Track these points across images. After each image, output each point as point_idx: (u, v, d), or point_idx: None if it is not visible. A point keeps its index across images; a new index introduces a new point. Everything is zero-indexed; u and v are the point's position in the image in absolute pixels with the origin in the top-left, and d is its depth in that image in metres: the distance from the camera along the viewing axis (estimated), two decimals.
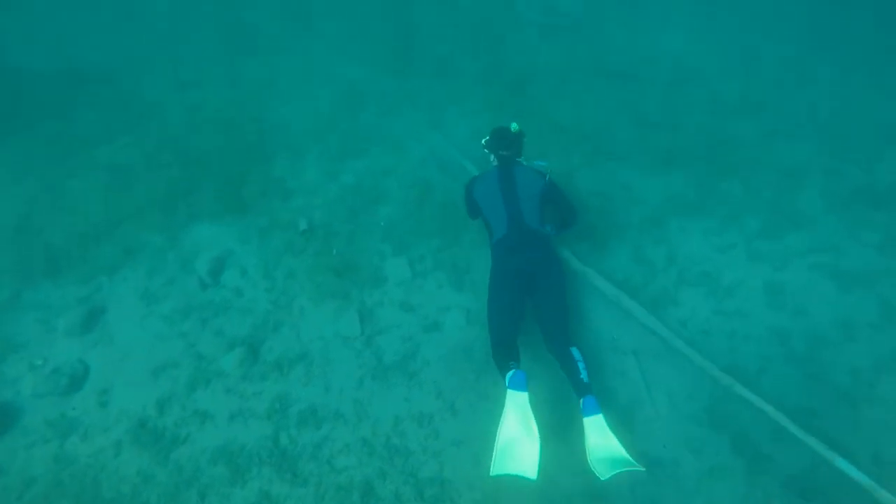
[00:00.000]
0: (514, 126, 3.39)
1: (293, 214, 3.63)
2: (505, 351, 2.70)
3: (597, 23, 5.15)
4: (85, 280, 3.34)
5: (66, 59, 5.04)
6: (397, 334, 3.07)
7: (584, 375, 2.65)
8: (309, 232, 3.51)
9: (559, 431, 2.62)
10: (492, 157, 3.44)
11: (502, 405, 2.47)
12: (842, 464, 2.45)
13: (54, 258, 3.46)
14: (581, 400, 2.58)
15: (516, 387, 2.49)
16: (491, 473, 2.32)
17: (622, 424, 2.68)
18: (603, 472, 2.38)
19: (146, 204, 3.75)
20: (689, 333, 3.03)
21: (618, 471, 2.38)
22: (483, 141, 3.47)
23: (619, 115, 4.28)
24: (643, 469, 2.40)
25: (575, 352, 2.73)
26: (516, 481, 2.33)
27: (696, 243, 3.47)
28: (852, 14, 5.20)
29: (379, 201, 3.69)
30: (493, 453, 2.35)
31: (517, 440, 2.38)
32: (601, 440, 2.46)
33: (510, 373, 2.57)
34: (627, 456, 2.41)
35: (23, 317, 3.17)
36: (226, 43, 5.13)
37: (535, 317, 2.93)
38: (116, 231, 3.61)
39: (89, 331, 3.12)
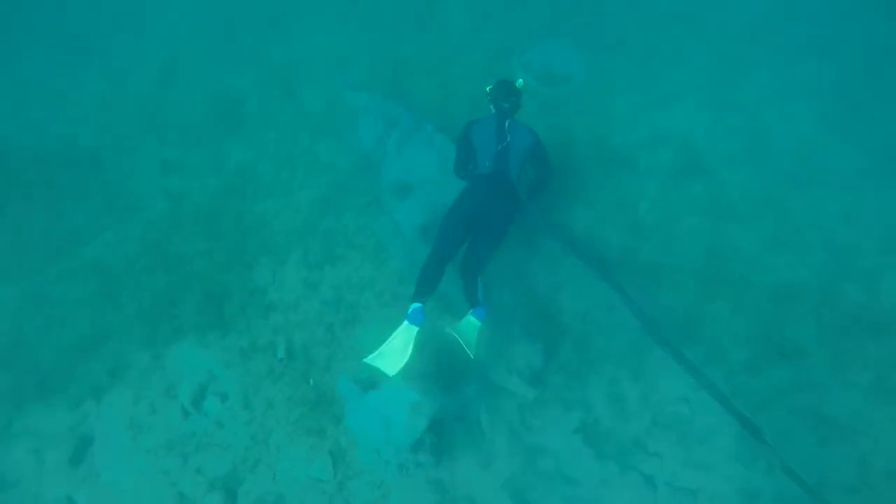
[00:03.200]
0: (519, 82, 3.86)
1: (273, 334, 3.82)
2: (427, 282, 3.25)
3: (599, 93, 5.02)
4: (74, 404, 3.65)
5: (54, 136, 5.20)
6: (367, 480, 3.28)
7: (480, 295, 3.39)
8: (287, 359, 3.70)
9: None
10: (491, 106, 3.85)
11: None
12: None
13: (44, 378, 3.77)
14: (472, 309, 3.26)
15: (413, 321, 3.10)
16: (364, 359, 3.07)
17: None
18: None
19: (132, 316, 4.00)
20: (656, 494, 3.17)
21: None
22: (487, 88, 3.86)
23: (612, 217, 4.27)
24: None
25: (480, 282, 3.42)
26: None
27: (674, 379, 3.54)
28: (885, 87, 4.95)
29: (356, 321, 3.84)
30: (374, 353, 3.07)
31: (393, 354, 3.06)
32: (464, 333, 3.19)
33: (415, 305, 3.14)
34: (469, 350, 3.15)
35: (14, 448, 3.49)
36: (211, 114, 5.20)
37: (469, 245, 3.50)
38: (104, 346, 3.89)
39: (77, 465, 3.44)
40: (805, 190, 4.42)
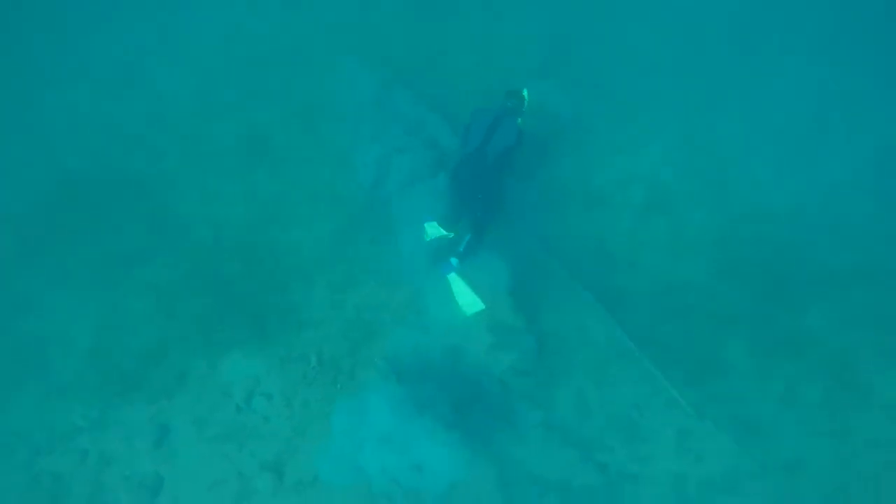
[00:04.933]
0: (524, 92, 5.01)
1: (306, 346, 4.82)
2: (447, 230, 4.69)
3: (583, 133, 5.84)
4: (151, 401, 4.68)
5: (108, 164, 6.09)
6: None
7: (462, 248, 4.52)
8: (318, 366, 4.71)
9: None
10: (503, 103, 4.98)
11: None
12: None
13: (125, 379, 4.79)
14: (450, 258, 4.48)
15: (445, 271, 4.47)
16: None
17: None
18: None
19: (189, 329, 4.99)
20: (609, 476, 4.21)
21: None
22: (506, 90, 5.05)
23: (588, 247, 5.18)
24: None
25: (470, 237, 4.54)
26: None
27: (629, 388, 4.53)
28: (832, 135, 5.76)
29: (375, 336, 4.83)
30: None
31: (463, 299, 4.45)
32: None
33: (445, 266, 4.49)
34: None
35: (108, 434, 4.54)
36: (242, 146, 6.06)
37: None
38: (169, 354, 4.90)
39: (159, 448, 4.49)
40: (752, 227, 5.31)
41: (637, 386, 4.52)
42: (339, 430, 4.35)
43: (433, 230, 4.74)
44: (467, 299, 4.52)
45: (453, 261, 4.53)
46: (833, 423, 4.34)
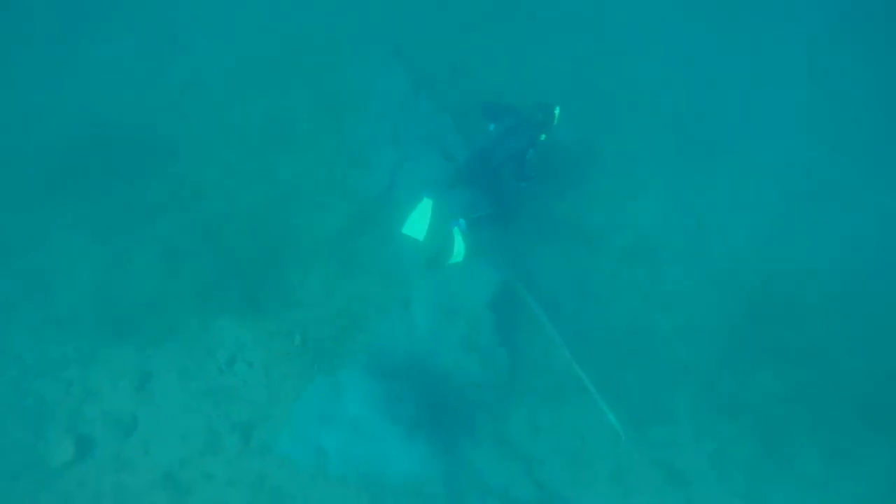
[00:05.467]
0: (556, 109, 5.41)
1: (293, 325, 5.20)
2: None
3: (580, 170, 6.36)
4: (139, 348, 5.03)
5: (139, 120, 6.46)
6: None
7: (474, 216, 5.08)
8: (302, 345, 5.10)
9: None
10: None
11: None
12: None
13: (119, 324, 5.13)
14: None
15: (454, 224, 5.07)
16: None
17: None
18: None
19: (188, 289, 5.35)
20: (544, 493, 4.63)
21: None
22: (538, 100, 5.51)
23: (568, 283, 5.66)
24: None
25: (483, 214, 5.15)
26: None
27: (579, 418, 4.97)
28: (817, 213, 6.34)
29: (359, 328, 5.23)
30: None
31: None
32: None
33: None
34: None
35: (97, 371, 4.88)
36: (268, 128, 6.47)
37: None
38: (165, 308, 5.25)
39: (140, 391, 4.83)
40: (722, 291, 5.82)
41: (585, 417, 4.96)
42: (307, 408, 4.75)
43: (429, 207, 5.15)
44: (455, 251, 5.06)
45: (462, 221, 5.07)
46: (751, 487, 4.80)
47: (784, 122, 7.32)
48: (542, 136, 5.43)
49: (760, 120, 7.35)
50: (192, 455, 4.58)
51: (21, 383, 4.77)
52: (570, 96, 6.88)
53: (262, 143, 6.39)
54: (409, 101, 6.62)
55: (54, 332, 5.03)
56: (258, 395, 4.90)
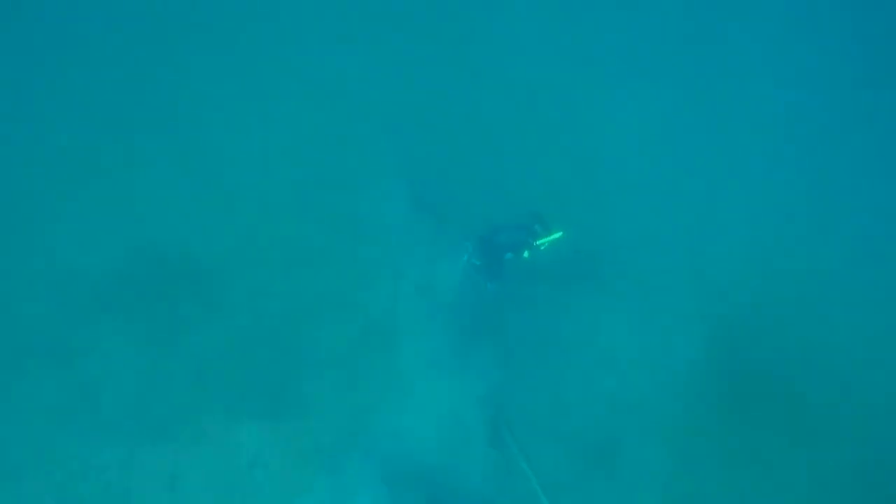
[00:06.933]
0: (557, 234, 6.59)
1: (307, 430, 6.05)
2: None
3: (557, 285, 7.57)
4: (172, 451, 5.81)
5: (176, 243, 7.64)
6: None
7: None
8: (315, 452, 5.91)
9: None
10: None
11: None
12: None
13: (154, 429, 5.94)
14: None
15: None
16: None
17: None
18: None
19: (215, 397, 6.22)
20: None
21: None
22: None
23: (538, 390, 6.66)
24: None
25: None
26: None
27: None
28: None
29: (367, 434, 6.09)
30: None
31: None
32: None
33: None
34: None
35: (133, 473, 5.62)
36: (286, 253, 7.69)
37: None
38: (194, 415, 6.08)
39: (171, 490, 5.55)
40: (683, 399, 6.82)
41: None
42: None
43: None
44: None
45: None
46: None
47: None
48: (526, 253, 6.63)
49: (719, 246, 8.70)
50: None
51: (66, 487, 5.49)
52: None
53: (284, 264, 7.56)
54: (412, 225, 7.96)
55: (99, 437, 5.82)
56: (275, 496, 5.64)
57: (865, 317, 8.05)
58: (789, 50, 11.29)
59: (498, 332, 7.00)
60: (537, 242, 6.68)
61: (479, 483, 5.77)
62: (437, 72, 9.97)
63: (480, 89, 10.02)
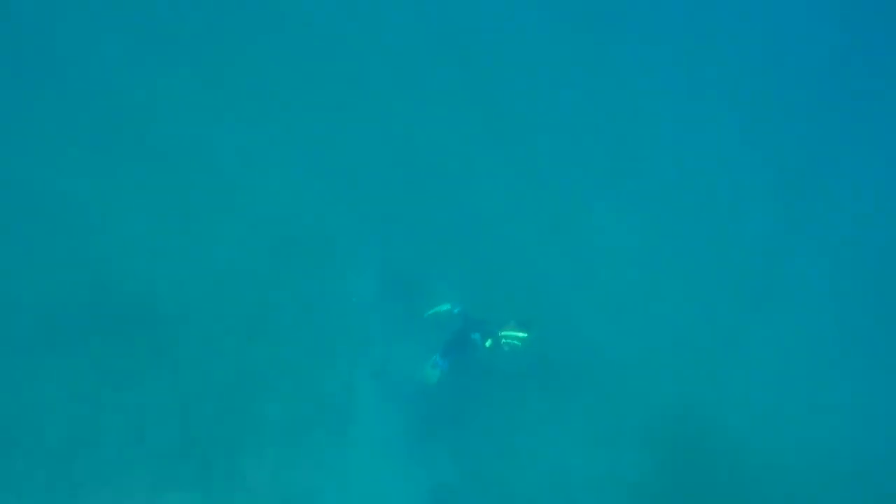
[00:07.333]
0: (522, 333, 6.83)
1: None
2: None
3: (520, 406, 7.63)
4: None
5: (137, 293, 7.42)
6: None
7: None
8: None
9: None
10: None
11: None
12: None
13: (77, 485, 5.50)
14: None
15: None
16: None
17: None
18: None
19: (147, 456, 5.85)
20: None
21: None
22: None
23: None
24: None
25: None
26: None
27: None
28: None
29: None
30: None
31: None
32: None
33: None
34: None
35: None
36: (246, 318, 7.56)
37: None
38: (122, 475, 5.67)
39: None
40: None
41: None
42: None
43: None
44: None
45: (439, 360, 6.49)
46: None
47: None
48: (489, 342, 6.77)
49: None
50: None
51: None
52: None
53: (242, 329, 7.38)
54: (380, 305, 7.99)
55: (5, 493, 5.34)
56: None
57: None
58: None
59: (453, 426, 6.91)
60: (502, 333, 6.84)
61: None
62: (422, 148, 10.38)
63: (468, 174, 10.46)
